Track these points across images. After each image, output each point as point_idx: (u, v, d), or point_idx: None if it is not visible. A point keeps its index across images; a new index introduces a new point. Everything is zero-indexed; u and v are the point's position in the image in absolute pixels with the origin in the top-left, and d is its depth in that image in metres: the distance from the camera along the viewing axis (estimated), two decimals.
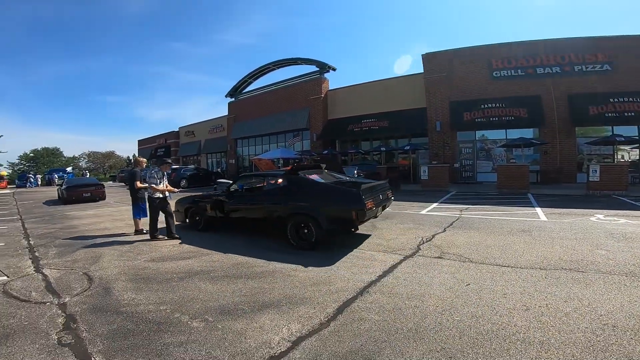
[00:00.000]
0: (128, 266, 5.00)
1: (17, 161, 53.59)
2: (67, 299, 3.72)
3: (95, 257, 5.54)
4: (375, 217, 6.41)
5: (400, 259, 4.86)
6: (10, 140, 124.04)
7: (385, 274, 4.25)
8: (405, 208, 9.79)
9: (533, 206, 9.47)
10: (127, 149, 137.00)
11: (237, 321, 3.10)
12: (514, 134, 16.25)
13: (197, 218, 7.56)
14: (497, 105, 16.87)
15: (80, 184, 17.06)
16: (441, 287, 3.76)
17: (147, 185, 7.03)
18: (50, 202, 16.45)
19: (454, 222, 7.49)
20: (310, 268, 4.62)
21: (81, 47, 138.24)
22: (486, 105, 17.08)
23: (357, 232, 5.89)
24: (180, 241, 6.53)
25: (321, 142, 22.56)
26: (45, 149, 56.02)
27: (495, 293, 3.55)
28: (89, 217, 10.45)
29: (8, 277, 4.49)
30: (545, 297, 3.40)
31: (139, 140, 46.82)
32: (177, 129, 38.08)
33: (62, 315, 3.30)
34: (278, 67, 26.60)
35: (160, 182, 6.81)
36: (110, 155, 63.62)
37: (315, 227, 5.51)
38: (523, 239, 5.86)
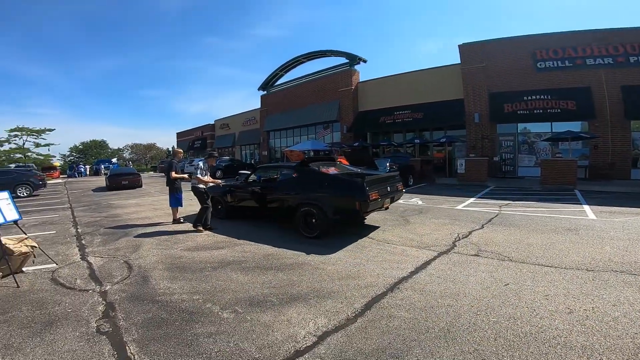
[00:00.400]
0: (165, 255, 5.22)
1: (67, 153, 58.43)
2: (108, 287, 3.93)
3: (135, 246, 5.84)
4: (382, 208, 6.38)
5: (434, 256, 4.68)
6: (61, 133, 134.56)
7: (417, 270, 4.11)
8: (440, 202, 9.44)
9: (580, 203, 8.75)
10: (167, 141, 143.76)
11: (266, 313, 3.13)
12: (560, 127, 15.12)
13: (220, 207, 7.94)
14: (542, 97, 15.77)
15: (120, 173, 19.19)
16: (477, 286, 3.57)
17: (182, 175, 7.28)
18: (98, 190, 17.77)
19: (492, 218, 7.10)
20: (339, 261, 4.58)
21: (124, 44, 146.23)
22: (529, 97, 16.01)
23: (384, 228, 5.77)
24: (214, 232, 6.72)
25: (352, 134, 22.31)
26: (93, 141, 60.10)
27: (536, 294, 3.31)
28: (131, 207, 11.08)
29: (57, 264, 4.82)
30: (592, 300, 3.13)
31: (177, 133, 48.99)
32: (213, 122, 39.31)
33: (103, 303, 3.49)
34: (308, 60, 26.54)
35: (205, 174, 7.00)
36: (151, 147, 67.16)
37: (322, 217, 5.69)
38: (569, 238, 5.44)
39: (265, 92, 29.96)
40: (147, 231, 7.11)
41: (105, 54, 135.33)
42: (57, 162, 46.86)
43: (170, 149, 62.34)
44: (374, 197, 5.40)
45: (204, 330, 2.86)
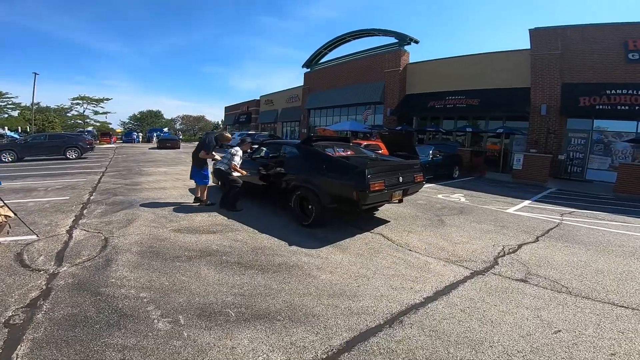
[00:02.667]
0: (150, 235, 4.68)
1: (127, 120, 62.91)
2: (64, 269, 3.41)
3: (129, 220, 5.41)
4: (391, 201, 5.34)
5: (465, 276, 3.58)
6: (128, 103, 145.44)
7: (437, 295, 3.07)
8: (487, 202, 7.99)
9: None
10: (216, 113, 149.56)
11: (211, 331, 2.38)
12: None
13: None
14: (630, 92, 13.00)
15: (166, 138, 29.39)
16: (515, 330, 2.50)
17: (213, 156, 6.61)
18: (147, 151, 18.65)
19: (551, 229, 5.67)
20: (339, 269, 3.67)
21: (189, 24, 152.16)
22: (614, 91, 13.31)
23: (411, 228, 4.70)
24: (222, 213, 6.09)
25: (395, 118, 20.68)
26: (150, 111, 64.14)
27: (598, 350, 2.22)
28: (158, 174, 10.99)
29: (37, 237, 4.43)
30: None
31: (225, 107, 50.04)
32: (259, 98, 39.30)
33: (41, 289, 2.97)
34: (354, 38, 24.97)
35: (240, 162, 6.31)
36: (200, 119, 69.69)
37: (316, 203, 5.05)
38: None
39: (309, 69, 28.97)
40: (154, 202, 6.77)
41: (174, 32, 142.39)
42: (119, 129, 50.81)
43: (219, 122, 64.42)
44: (376, 188, 4.57)
45: (120, 342, 2.19)
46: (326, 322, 2.58)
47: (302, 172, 5.47)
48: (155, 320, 2.50)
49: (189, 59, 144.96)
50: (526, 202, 8.16)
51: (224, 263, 3.71)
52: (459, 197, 8.57)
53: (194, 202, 6.76)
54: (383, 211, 6.44)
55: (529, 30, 15.62)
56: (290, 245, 4.37)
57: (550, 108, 14.76)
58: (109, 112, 48.03)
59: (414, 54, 49.53)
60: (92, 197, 7.26)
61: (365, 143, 14.38)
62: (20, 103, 38.91)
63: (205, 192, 6.74)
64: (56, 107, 40.88)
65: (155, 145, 28.93)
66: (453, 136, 19.17)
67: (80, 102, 40.75)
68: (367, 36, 23.88)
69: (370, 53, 23.12)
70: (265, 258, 3.90)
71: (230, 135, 7.15)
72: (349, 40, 25.44)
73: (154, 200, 6.98)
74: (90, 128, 39.73)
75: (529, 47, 15.66)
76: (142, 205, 6.53)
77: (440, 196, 8.50)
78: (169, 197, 7.29)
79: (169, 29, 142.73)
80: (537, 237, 5.14)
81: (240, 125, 41.83)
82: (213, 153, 6.64)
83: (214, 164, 6.55)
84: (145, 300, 2.82)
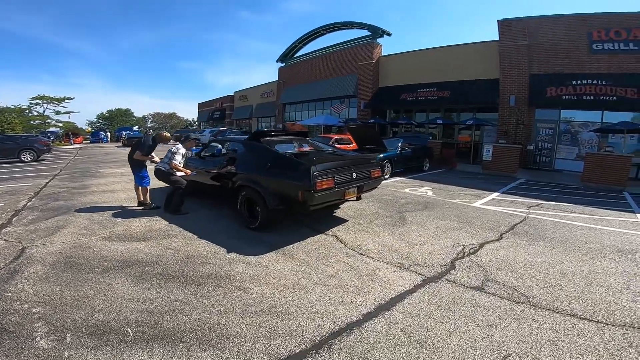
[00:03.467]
0: (75, 243, 4.14)
1: (95, 120, 59.97)
2: None
3: (57, 228, 4.83)
4: (345, 200, 5.00)
5: (415, 284, 3.23)
6: (95, 100, 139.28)
7: (378, 311, 2.70)
8: (454, 195, 7.77)
9: (634, 211, 6.82)
10: (191, 110, 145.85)
11: (97, 352, 2.10)
12: (613, 117, 12.69)
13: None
14: (595, 82, 13.22)
15: (133, 137, 27.41)
16: (458, 355, 2.15)
17: (145, 158, 6.02)
18: (112, 151, 17.69)
19: (517, 224, 5.45)
20: (276, 279, 3.25)
21: (159, 17, 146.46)
22: (579, 81, 13.51)
23: (369, 228, 4.33)
24: (165, 218, 5.59)
25: (369, 111, 20.45)
26: (119, 110, 61.32)
27: None
28: (112, 176, 10.21)
29: None
30: None
31: (199, 104, 48.49)
32: (232, 93, 38.22)
33: None
34: (328, 32, 24.69)
35: (183, 160, 5.78)
36: (172, 116, 67.41)
37: (261, 204, 4.60)
38: (621, 266, 3.81)
39: (283, 64, 28.39)
40: (97, 207, 6.19)
41: (143, 27, 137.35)
42: (89, 129, 48.42)
43: (192, 120, 62.47)
44: (324, 186, 4.18)
45: None
46: (242, 345, 2.17)
47: (247, 171, 5.03)
48: (38, 338, 2.14)
49: (162, 56, 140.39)
50: (494, 195, 8.01)
51: (144, 275, 3.22)
52: (426, 190, 8.33)
53: (137, 206, 6.17)
54: (344, 209, 6.08)
55: (498, 21, 15.67)
56: (229, 252, 3.91)
57: (519, 99, 14.86)
58: (72, 112, 45.96)
59: (388, 47, 49.59)
60: (29, 203, 6.55)
61: (335, 137, 14.06)
62: None
63: (147, 194, 6.18)
64: (13, 107, 38.20)
65: (122, 144, 27.88)
66: (426, 129, 19.11)
67: (39, 102, 38.31)
68: (341, 29, 23.70)
69: (343, 46, 22.87)
70: (194, 268, 3.44)
71: (169, 135, 6.52)
72: (323, 34, 25.09)
73: (96, 205, 6.37)
74: (53, 128, 37.50)
75: (497, 38, 15.72)
76: (81, 210, 5.93)
77: (407, 190, 8.22)
78: (114, 201, 6.66)
79: (139, 24, 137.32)
80: (501, 234, 4.90)
81: (215, 122, 40.62)
82: (152, 155, 6.08)
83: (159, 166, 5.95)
84: (36, 316, 2.41)
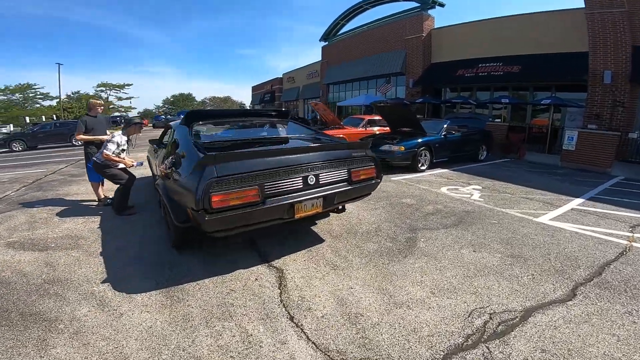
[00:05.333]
0: None
1: (161, 104, 64.88)
2: None
3: None
4: (294, 219, 2.96)
5: None
6: (165, 87, 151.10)
7: None
8: (512, 200, 5.47)
9: None
10: (246, 94, 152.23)
11: None
12: None
13: None
14: None
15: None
16: None
17: (90, 138, 5.00)
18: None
19: (609, 263, 3.20)
20: (105, 343, 1.78)
21: (218, 6, 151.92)
22: None
23: (348, 260, 2.63)
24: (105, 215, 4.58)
25: (419, 89, 17.79)
26: (181, 94, 65.56)
27: None
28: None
29: None
30: None
31: (252, 87, 48.72)
32: (281, 75, 37.43)
33: None
34: (372, 6, 22.17)
35: (119, 150, 4.56)
36: (226, 99, 70.37)
37: (169, 217, 3.24)
38: None
39: (326, 42, 26.56)
40: (61, 200, 5.65)
41: (205, 16, 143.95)
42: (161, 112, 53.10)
43: (245, 103, 64.54)
44: (234, 202, 2.55)
45: None
46: None
47: (171, 170, 3.57)
48: None
49: (222, 43, 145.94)
50: (575, 202, 5.50)
51: None
52: (472, 190, 6.11)
53: (98, 204, 5.24)
54: (332, 217, 4.34)
55: None
56: (103, 281, 2.80)
57: (617, 75, 11.25)
58: (132, 97, 50.81)
59: (441, 19, 44.37)
60: (8, 193, 6.20)
61: (368, 118, 12.04)
62: (48, 93, 40.93)
63: (99, 189, 5.13)
64: (82, 94, 42.62)
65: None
66: (489, 109, 15.94)
67: (103, 88, 42.49)
68: (386, 3, 21.17)
69: (389, 20, 20.30)
70: (36, 300, 2.55)
71: (99, 102, 5.33)
72: (367, 9, 22.74)
73: (65, 197, 5.78)
74: (117, 113, 40.81)
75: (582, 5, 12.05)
76: (38, 203, 5.40)
77: (444, 190, 6.10)
78: (89, 193, 5.78)
79: (201, 13, 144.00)
80: (576, 286, 2.76)
81: (265, 105, 40.59)
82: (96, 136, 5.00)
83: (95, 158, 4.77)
84: None
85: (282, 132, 4.68)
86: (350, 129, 11.58)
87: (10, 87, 38.57)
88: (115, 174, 4.48)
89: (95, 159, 4.58)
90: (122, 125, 4.87)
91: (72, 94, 44.09)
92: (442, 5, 17.68)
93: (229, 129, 4.63)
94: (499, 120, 15.19)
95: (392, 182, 6.68)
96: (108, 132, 5.19)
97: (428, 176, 7.37)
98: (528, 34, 13.94)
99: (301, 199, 2.87)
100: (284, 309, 2.42)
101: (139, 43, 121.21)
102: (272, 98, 39.40)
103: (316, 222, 4.20)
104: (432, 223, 4.27)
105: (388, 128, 10.17)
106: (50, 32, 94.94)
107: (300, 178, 2.89)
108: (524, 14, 14.57)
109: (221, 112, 5.08)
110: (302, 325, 2.24)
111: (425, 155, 8.12)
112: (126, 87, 44.59)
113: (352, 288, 2.69)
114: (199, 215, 2.45)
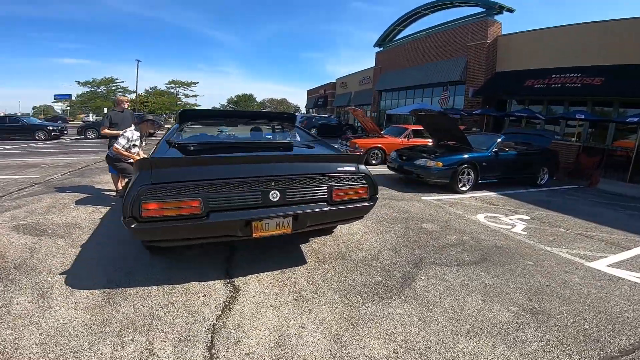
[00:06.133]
0: None
1: (225, 103, 69.09)
2: None
3: (15, 207, 4.70)
4: (251, 238, 2.56)
5: None
6: (230, 85, 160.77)
7: None
8: (563, 237, 4.43)
9: None
10: (301, 97, 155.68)
11: None
12: None
13: None
14: None
15: None
16: None
17: (113, 133, 5.22)
18: None
19: None
20: None
21: (285, 9, 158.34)
22: None
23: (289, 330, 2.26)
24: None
25: (480, 99, 16.34)
26: (244, 95, 69.11)
27: None
28: None
29: None
30: None
31: (308, 90, 49.60)
32: (335, 80, 37.46)
33: None
34: (431, 12, 20.96)
35: (131, 145, 4.65)
36: (282, 102, 72.64)
37: None
38: None
39: (381, 48, 25.88)
40: (89, 188, 6.02)
41: (271, 20, 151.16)
42: None
43: (298, 105, 66.14)
44: (166, 213, 2.27)
45: None
46: None
47: None
48: None
49: (288, 45, 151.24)
50: None
51: None
52: (516, 221, 5.16)
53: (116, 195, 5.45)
54: (337, 237, 3.87)
55: None
56: (63, 274, 2.83)
57: None
58: (198, 95, 55.35)
59: (509, 25, 40.68)
60: (55, 177, 6.85)
61: (412, 128, 11.21)
62: (127, 87, 46.07)
63: (118, 181, 5.27)
64: (157, 90, 47.21)
65: None
66: (561, 125, 14.00)
67: (173, 85, 46.60)
68: (447, 8, 19.94)
69: (449, 26, 19.13)
70: None
71: (126, 98, 5.55)
72: (425, 14, 21.64)
73: (95, 185, 6.26)
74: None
75: None
76: (70, 188, 5.86)
77: (481, 217, 5.25)
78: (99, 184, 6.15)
79: (268, 17, 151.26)
80: None
81: (318, 109, 40.96)
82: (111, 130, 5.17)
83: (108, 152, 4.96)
84: None
85: (281, 137, 4.39)
86: (390, 138, 10.90)
87: (97, 80, 43.94)
88: (125, 168, 4.56)
89: (108, 152, 4.72)
90: (136, 122, 4.96)
91: (150, 89, 48.99)
92: (510, 10, 16.16)
93: (222, 131, 4.47)
94: (574, 139, 13.24)
95: (420, 202, 5.95)
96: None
97: (467, 199, 6.48)
98: (614, 42, 11.98)
99: (260, 216, 2.48)
100: (210, 334, 2.12)
101: (214, 43, 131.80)
102: (325, 103, 39.57)
103: (309, 239, 3.77)
104: (446, 257, 3.57)
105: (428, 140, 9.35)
106: (134, 29, 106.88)
107: (259, 192, 2.48)
108: (608, 20, 12.57)
109: (216, 112, 5.00)
110: (217, 357, 1.91)
111: (468, 175, 7.16)
112: (193, 85, 48.58)
113: (303, 327, 2.23)
114: (126, 223, 2.22)
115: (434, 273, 3.15)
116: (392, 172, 8.13)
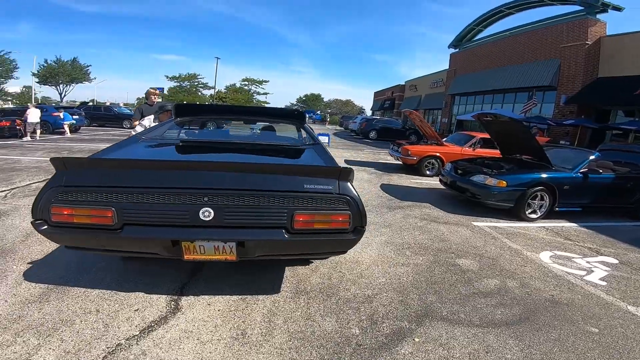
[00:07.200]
0: None
1: (294, 102, 71.00)
2: None
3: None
4: (182, 259, 2.08)
5: None
6: (301, 84, 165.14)
7: None
8: None
9: None
10: (367, 99, 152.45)
11: None
12: None
13: None
14: None
15: None
16: None
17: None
18: None
19: None
20: None
21: (357, 10, 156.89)
22: None
23: None
24: None
25: (574, 108, 13.85)
26: (312, 94, 70.07)
27: None
28: None
29: None
30: None
31: (375, 92, 48.38)
32: (404, 82, 35.71)
33: None
34: (517, 11, 18.67)
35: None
36: (347, 103, 71.74)
37: None
38: None
39: (457, 50, 23.76)
40: None
41: (343, 21, 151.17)
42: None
43: (363, 107, 65.11)
44: (79, 220, 1.95)
45: None
46: None
47: None
48: None
49: (360, 46, 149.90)
50: None
51: None
52: (595, 265, 3.83)
53: None
54: (328, 263, 3.18)
55: None
56: (31, 263, 2.79)
57: None
58: (268, 93, 57.58)
59: (616, 25, 33.81)
60: None
61: (481, 136, 9.66)
62: (206, 83, 49.98)
63: None
64: (233, 87, 50.70)
65: None
66: None
67: (246, 83, 49.69)
68: (536, 6, 17.61)
69: (539, 25, 16.78)
70: None
71: (155, 91, 5.32)
72: (509, 14, 19.37)
73: None
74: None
75: None
76: None
77: (545, 256, 4.01)
78: None
79: (340, 18, 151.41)
80: None
81: (384, 111, 39.68)
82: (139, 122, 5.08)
83: None
84: None
85: (285, 136, 3.85)
86: (451, 146, 9.57)
87: (183, 75, 48.56)
88: None
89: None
90: (155, 111, 4.86)
91: (229, 85, 52.79)
92: (618, 9, 13.33)
93: (215, 127, 4.11)
94: None
95: (467, 229, 4.83)
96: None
97: (534, 230, 5.16)
98: None
99: (190, 237, 1.98)
100: (104, 355, 1.86)
101: (288, 43, 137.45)
102: (392, 105, 38.13)
103: (310, 262, 3.13)
104: (468, 311, 2.62)
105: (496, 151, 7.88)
106: (219, 27, 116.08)
107: (185, 208, 1.96)
108: None
109: (213, 107, 4.64)
110: None
111: (542, 199, 5.68)
112: (264, 83, 51.41)
113: None
114: (35, 225, 1.94)
115: (437, 334, 2.28)
116: (444, 187, 6.98)
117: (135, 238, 1.96)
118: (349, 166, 2.26)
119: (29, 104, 15.99)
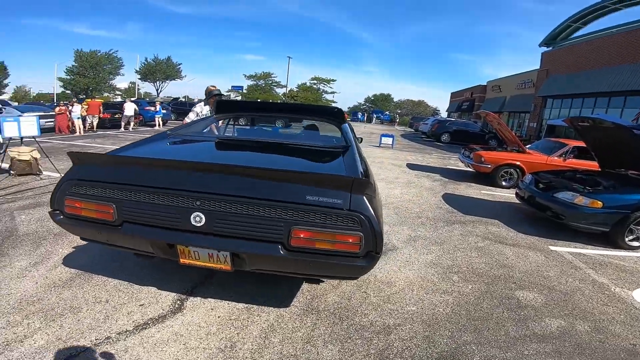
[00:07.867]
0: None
1: (362, 102, 70.17)
2: None
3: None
4: (177, 262, 1.96)
5: None
6: (370, 84, 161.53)
7: None
8: None
9: None
10: (442, 100, 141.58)
11: None
12: None
13: None
14: None
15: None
16: None
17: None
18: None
19: None
20: None
21: (435, 8, 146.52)
22: None
23: None
24: None
25: None
26: (382, 94, 67.87)
27: None
28: None
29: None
30: None
31: (451, 93, 45.19)
32: (485, 83, 32.56)
33: None
34: (625, 6, 15.74)
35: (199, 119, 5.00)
36: (420, 103, 67.70)
37: None
38: None
39: (550, 48, 20.64)
40: None
41: (419, 19, 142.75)
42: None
43: (437, 109, 61.23)
44: (85, 214, 1.99)
45: None
46: None
47: None
48: None
49: (435, 46, 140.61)
50: None
51: None
52: None
53: None
54: (352, 282, 2.84)
55: None
56: (39, 246, 2.65)
57: None
58: (335, 92, 57.88)
59: None
60: None
61: (575, 144, 8.08)
62: (279, 82, 51.93)
63: None
64: (304, 86, 52.31)
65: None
66: None
67: (315, 82, 50.87)
68: None
69: None
70: None
71: (215, 87, 5.39)
72: (615, 10, 16.50)
73: None
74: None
75: None
76: None
77: (637, 294, 3.11)
78: None
79: (415, 17, 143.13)
80: None
81: (462, 113, 36.80)
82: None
83: None
84: None
85: (323, 135, 3.58)
86: (535, 154, 8.24)
87: (258, 74, 51.47)
88: None
89: None
90: (205, 98, 5.06)
91: (301, 84, 54.53)
92: None
93: (255, 125, 4.06)
94: None
95: (541, 255, 3.98)
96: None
97: (633, 260, 4.09)
98: None
99: (184, 241, 1.87)
100: (89, 345, 1.87)
101: (359, 42, 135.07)
102: (471, 107, 35.10)
103: (321, 281, 2.85)
104: (511, 358, 2.04)
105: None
106: (293, 27, 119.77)
107: (176, 211, 1.82)
108: None
109: (253, 104, 4.58)
110: None
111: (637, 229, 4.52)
112: (331, 82, 52.17)
113: None
114: (52, 214, 2.06)
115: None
116: (520, 202, 5.94)
117: (133, 236, 1.95)
118: (364, 178, 1.91)
119: (126, 99, 18.28)
